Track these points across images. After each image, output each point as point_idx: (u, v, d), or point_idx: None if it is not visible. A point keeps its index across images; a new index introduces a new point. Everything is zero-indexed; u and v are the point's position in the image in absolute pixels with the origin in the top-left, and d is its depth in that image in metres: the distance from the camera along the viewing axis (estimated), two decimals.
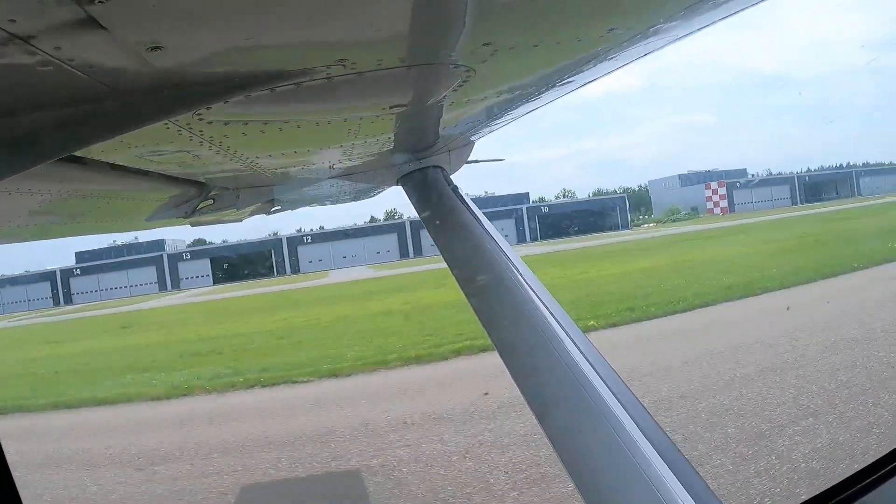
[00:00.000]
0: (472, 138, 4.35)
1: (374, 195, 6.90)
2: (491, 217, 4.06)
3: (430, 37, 1.66)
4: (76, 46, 1.30)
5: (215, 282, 77.37)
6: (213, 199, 4.02)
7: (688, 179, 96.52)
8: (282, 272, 79.29)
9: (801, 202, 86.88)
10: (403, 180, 4.32)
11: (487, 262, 3.52)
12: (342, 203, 7.36)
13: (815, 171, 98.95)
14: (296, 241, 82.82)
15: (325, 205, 7.23)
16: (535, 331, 3.16)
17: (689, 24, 2.11)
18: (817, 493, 1.74)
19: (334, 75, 1.73)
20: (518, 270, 3.50)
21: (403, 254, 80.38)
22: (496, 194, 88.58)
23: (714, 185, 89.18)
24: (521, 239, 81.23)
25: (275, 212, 6.14)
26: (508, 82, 2.46)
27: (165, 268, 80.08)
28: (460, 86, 2.11)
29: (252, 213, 5.99)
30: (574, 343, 3.09)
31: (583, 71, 2.46)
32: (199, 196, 3.84)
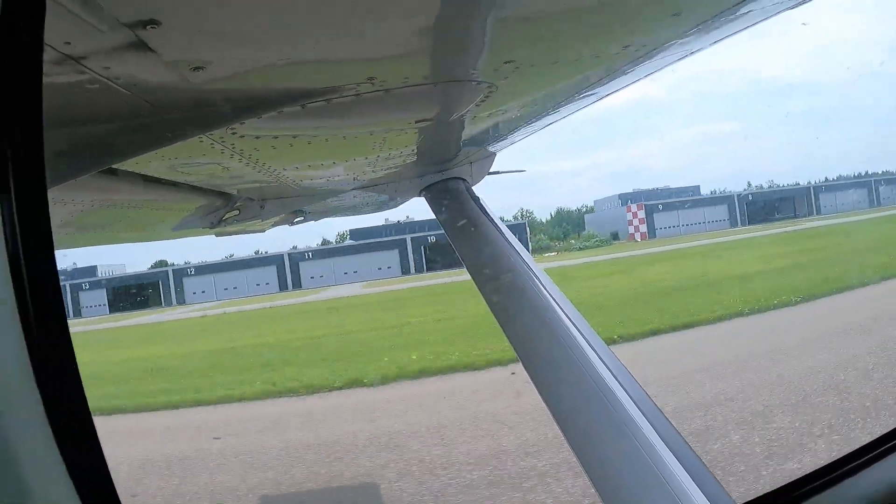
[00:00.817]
0: (494, 150, 4.40)
1: (397, 206, 6.97)
2: None
3: (454, 55, 1.72)
4: (124, 66, 1.37)
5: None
6: (239, 210, 4.10)
7: (630, 198, 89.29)
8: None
9: (744, 223, 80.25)
10: (426, 191, 4.38)
11: (509, 272, 3.56)
12: (365, 213, 7.44)
13: (765, 187, 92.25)
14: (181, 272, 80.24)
15: (348, 215, 7.31)
16: (558, 340, 3.18)
17: (702, 39, 2.15)
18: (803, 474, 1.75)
19: (363, 92, 1.79)
20: (540, 280, 3.53)
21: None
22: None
23: (634, 207, 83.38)
24: None
25: (298, 222, 6.23)
26: (529, 97, 2.52)
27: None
28: (483, 101, 2.16)
29: (275, 224, 6.08)
30: (595, 352, 3.11)
31: (600, 85, 2.51)
32: (225, 207, 3.92)
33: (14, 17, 0.95)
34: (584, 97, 2.78)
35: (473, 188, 4.46)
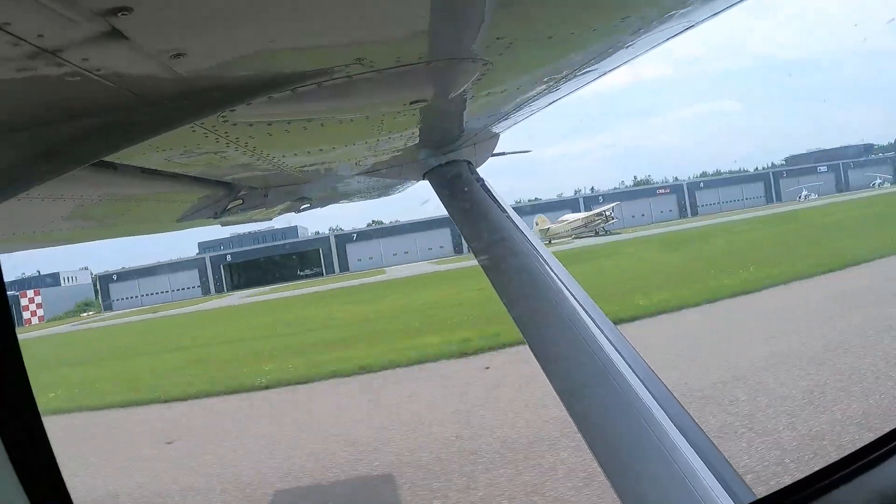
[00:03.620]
0: (497, 131, 4.34)
1: (402, 190, 6.93)
2: None
3: (445, 32, 1.67)
4: (102, 57, 1.34)
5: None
6: (242, 199, 4.08)
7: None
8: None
9: None
10: (430, 175, 4.33)
11: (515, 254, 3.52)
12: (371, 199, 7.40)
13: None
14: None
15: (354, 201, 7.28)
16: (565, 321, 3.15)
17: (704, 8, 2.08)
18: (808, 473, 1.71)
19: (353, 74, 1.74)
20: (546, 262, 3.50)
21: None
22: None
23: None
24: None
25: (304, 209, 6.20)
26: (527, 74, 2.46)
27: None
28: (479, 79, 2.11)
29: (282, 212, 6.06)
30: (604, 334, 3.08)
31: (601, 60, 2.45)
32: (228, 196, 3.90)
33: None
34: (584, 73, 2.72)
35: (478, 170, 4.42)
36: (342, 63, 1.67)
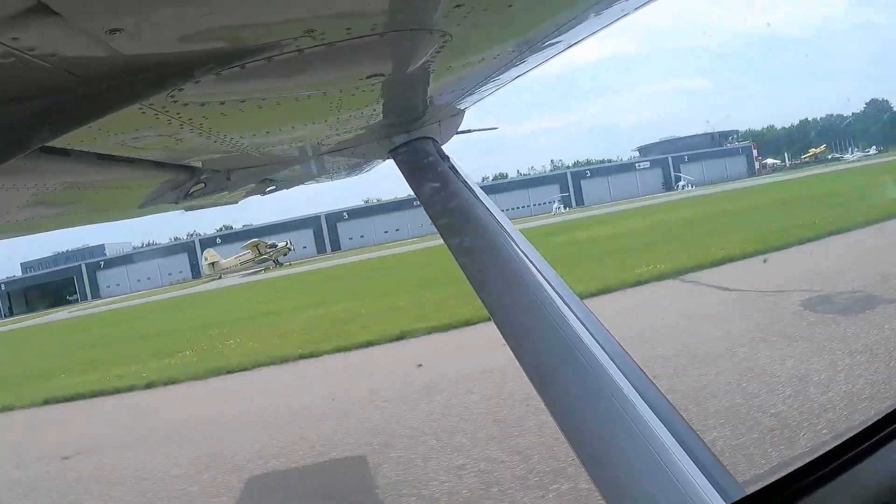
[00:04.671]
0: (462, 107, 4.29)
1: (368, 170, 6.86)
2: None
3: (398, 2, 1.62)
4: (33, 36, 1.27)
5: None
6: (205, 183, 4.00)
7: None
8: None
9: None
10: (394, 153, 4.29)
11: (481, 232, 3.50)
12: (338, 179, 7.32)
13: None
14: None
15: (321, 181, 7.19)
16: (533, 299, 3.14)
17: None
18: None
19: (304, 47, 1.69)
20: (513, 239, 3.48)
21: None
22: None
23: None
24: None
25: (270, 191, 6.12)
26: (488, 46, 2.41)
27: None
28: (438, 51, 2.06)
29: (248, 194, 5.97)
30: (572, 311, 3.08)
31: (566, 30, 2.40)
32: (189, 180, 3.81)
33: None
34: (549, 45, 2.67)
35: (443, 148, 4.38)
36: (291, 36, 1.61)
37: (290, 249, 75.88)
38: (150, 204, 4.24)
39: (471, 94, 3.86)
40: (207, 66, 1.65)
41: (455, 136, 4.68)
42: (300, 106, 2.43)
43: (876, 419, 1.70)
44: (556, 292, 3.16)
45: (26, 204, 2.99)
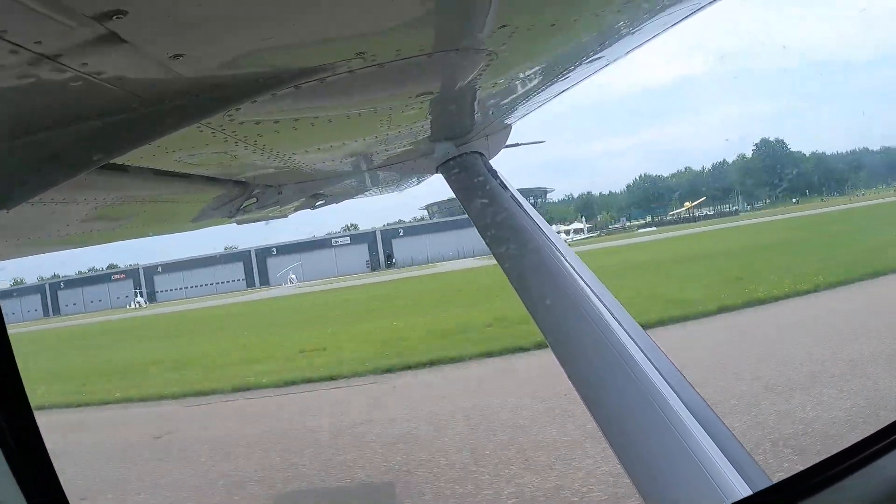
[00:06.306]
0: (509, 122, 4.30)
1: (417, 184, 6.91)
2: None
3: (445, 23, 1.65)
4: (102, 61, 1.33)
5: None
6: (257, 198, 4.09)
7: None
8: None
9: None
10: (443, 168, 4.31)
11: (530, 247, 3.49)
12: (386, 193, 7.40)
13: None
14: None
15: (369, 196, 7.28)
16: (582, 315, 3.11)
17: None
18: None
19: (356, 68, 1.73)
20: (563, 254, 3.46)
21: None
22: None
23: None
24: None
25: (320, 206, 6.22)
26: (533, 63, 2.43)
27: None
28: (484, 70, 2.09)
29: (297, 209, 6.08)
30: (623, 327, 3.04)
31: (607, 47, 2.40)
32: (242, 195, 3.91)
33: None
34: (592, 61, 2.67)
35: (491, 162, 4.38)
36: (343, 58, 1.65)
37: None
38: (203, 218, 4.36)
39: (516, 110, 3.86)
40: (263, 87, 1.70)
41: (503, 149, 4.68)
42: (351, 123, 2.48)
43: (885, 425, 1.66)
44: (603, 303, 3.13)
45: (84, 218, 3.12)
